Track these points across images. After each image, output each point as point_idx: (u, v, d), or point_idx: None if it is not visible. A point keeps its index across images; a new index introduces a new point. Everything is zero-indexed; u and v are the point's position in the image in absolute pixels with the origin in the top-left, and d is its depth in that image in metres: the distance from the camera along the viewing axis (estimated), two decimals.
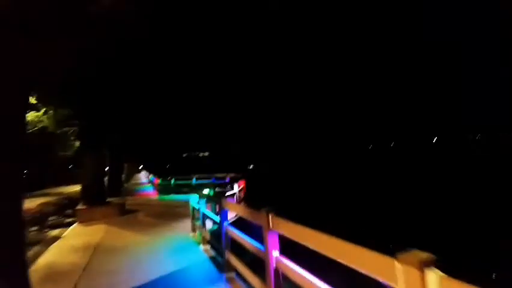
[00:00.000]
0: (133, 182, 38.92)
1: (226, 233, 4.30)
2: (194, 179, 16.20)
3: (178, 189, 17.08)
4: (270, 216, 2.59)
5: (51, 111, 11.13)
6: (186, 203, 13.01)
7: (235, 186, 9.29)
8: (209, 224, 6.37)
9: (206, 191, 7.14)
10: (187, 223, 8.19)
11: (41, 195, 20.16)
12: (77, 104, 9.81)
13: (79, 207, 10.06)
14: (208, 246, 5.81)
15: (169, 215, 9.93)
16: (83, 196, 10.34)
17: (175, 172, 33.07)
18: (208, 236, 5.51)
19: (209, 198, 6.61)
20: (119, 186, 19.50)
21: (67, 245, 6.96)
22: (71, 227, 9.08)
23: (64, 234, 8.20)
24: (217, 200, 5.97)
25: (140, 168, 79.34)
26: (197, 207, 6.73)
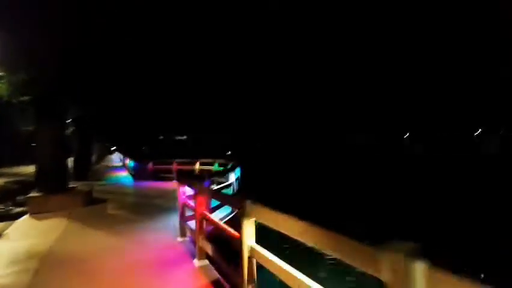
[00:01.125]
0: (104, 164, 36.04)
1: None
2: (174, 163, 14.27)
3: (157, 175, 15.10)
4: (247, 203, 2.56)
5: (4, 75, 8.83)
6: (166, 192, 11.21)
7: (231, 175, 7.56)
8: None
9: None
10: (170, 221, 6.43)
11: None
12: (34, 65, 7.60)
13: (32, 194, 7.97)
14: (206, 262, 4.13)
15: (147, 207, 8.10)
16: (37, 180, 8.24)
17: (152, 156, 30.64)
18: (208, 247, 3.84)
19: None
20: (87, 169, 17.18)
21: (2, 251, 5.01)
22: (18, 221, 7.05)
23: (4, 231, 6.18)
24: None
25: (112, 149, 75.45)
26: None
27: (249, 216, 2.58)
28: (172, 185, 13.14)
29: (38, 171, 8.16)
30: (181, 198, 5.26)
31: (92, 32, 9.09)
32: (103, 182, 15.00)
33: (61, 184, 8.30)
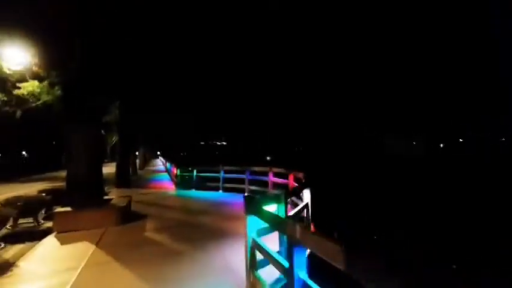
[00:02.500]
0: (149, 168, 36.06)
1: None
2: (222, 172, 12.60)
3: (201, 184, 13.57)
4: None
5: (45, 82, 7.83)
6: (216, 207, 9.53)
7: (306, 193, 5.50)
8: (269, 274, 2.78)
9: (271, 207, 3.46)
10: (231, 262, 4.55)
11: (38, 180, 17.22)
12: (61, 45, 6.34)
13: (59, 209, 6.63)
14: None
15: (195, 230, 6.36)
16: (67, 192, 6.90)
17: (194, 161, 29.65)
18: None
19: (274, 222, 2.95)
20: (129, 175, 16.23)
21: None
22: (40, 244, 5.66)
23: (17, 263, 4.76)
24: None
25: (158, 153, 77.61)
26: (262, 245, 3.09)
27: None
28: (219, 195, 11.53)
29: (68, 182, 6.82)
30: (252, 241, 3.35)
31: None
32: (145, 190, 13.81)
33: (94, 197, 6.89)
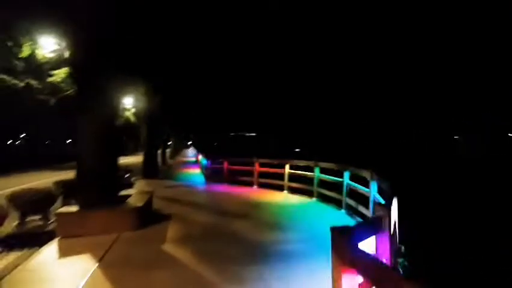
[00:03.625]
0: (179, 158, 35.73)
1: None
2: (256, 165, 11.08)
3: (233, 178, 12.20)
4: None
5: None
6: (250, 206, 7.81)
7: (394, 204, 3.77)
8: None
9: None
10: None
11: (68, 168, 16.85)
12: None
13: (64, 209, 5.47)
14: None
15: (228, 239, 4.91)
16: (76, 188, 5.72)
17: (225, 152, 28.58)
18: None
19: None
20: (157, 165, 15.26)
21: None
22: (36, 254, 4.49)
23: (5, 278, 3.57)
24: None
25: (189, 143, 78.22)
26: None
27: None
28: (254, 192, 10.09)
29: (77, 176, 5.62)
30: None
31: None
32: (172, 183, 12.68)
33: (107, 194, 5.65)
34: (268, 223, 5.89)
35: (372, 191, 5.12)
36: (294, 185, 9.38)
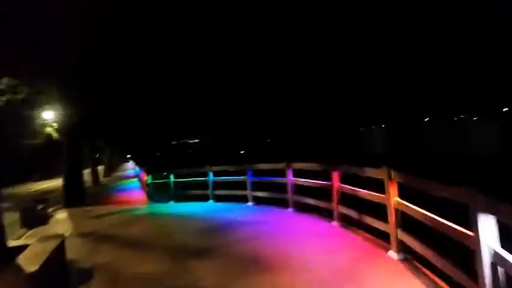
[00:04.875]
0: (117, 174, 31.65)
1: None
2: (211, 175, 9.17)
3: (182, 193, 10.08)
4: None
5: None
6: (211, 233, 5.01)
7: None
8: None
9: None
10: None
11: None
12: None
13: None
14: None
15: None
16: None
17: (169, 163, 25.85)
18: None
19: None
20: (82, 188, 12.29)
21: None
22: None
23: None
24: None
25: (128, 157, 71.76)
26: None
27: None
28: (211, 208, 8.08)
29: None
30: None
31: None
32: (104, 209, 10.01)
33: None
34: (243, 259, 4.08)
35: (393, 197, 3.63)
36: (261, 194, 7.71)
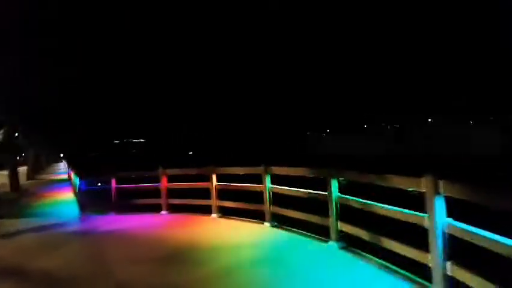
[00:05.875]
0: (45, 176, 27.32)
1: None
2: (162, 180, 7.48)
3: (126, 203, 8.18)
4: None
5: None
6: (160, 260, 3.71)
7: None
8: None
9: None
10: None
11: None
12: None
13: None
14: None
15: None
16: None
17: (109, 165, 22.93)
18: None
19: None
20: None
21: None
22: None
23: None
24: None
25: (61, 156, 65.34)
26: None
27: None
28: (166, 224, 6.40)
29: None
30: None
31: None
32: (19, 224, 7.60)
33: None
34: None
35: (439, 217, 2.60)
36: (228, 204, 6.31)
